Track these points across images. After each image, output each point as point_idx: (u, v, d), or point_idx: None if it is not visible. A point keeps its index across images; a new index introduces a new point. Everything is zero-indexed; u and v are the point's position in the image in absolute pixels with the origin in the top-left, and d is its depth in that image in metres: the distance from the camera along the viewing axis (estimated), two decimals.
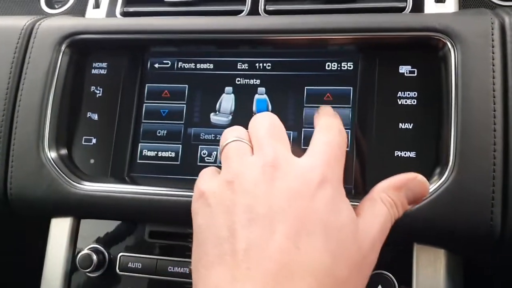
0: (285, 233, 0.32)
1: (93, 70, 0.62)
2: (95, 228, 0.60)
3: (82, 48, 0.62)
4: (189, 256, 0.53)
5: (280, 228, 0.32)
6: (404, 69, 0.54)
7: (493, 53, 0.49)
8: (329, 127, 0.41)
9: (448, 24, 0.51)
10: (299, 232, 0.32)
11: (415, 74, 0.53)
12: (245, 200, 0.34)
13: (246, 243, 0.32)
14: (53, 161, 0.58)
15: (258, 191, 0.34)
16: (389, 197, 0.39)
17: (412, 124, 0.52)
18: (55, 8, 0.73)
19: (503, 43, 0.50)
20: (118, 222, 0.59)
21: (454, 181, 0.47)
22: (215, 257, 0.33)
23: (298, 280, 0.31)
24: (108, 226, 0.60)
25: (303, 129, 0.56)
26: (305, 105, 0.57)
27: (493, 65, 0.49)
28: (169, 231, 0.57)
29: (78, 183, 0.58)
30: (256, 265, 0.31)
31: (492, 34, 0.50)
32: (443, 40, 0.51)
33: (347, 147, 0.54)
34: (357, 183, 0.53)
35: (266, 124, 0.40)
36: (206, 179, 0.39)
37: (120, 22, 0.63)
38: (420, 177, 0.40)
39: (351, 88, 0.56)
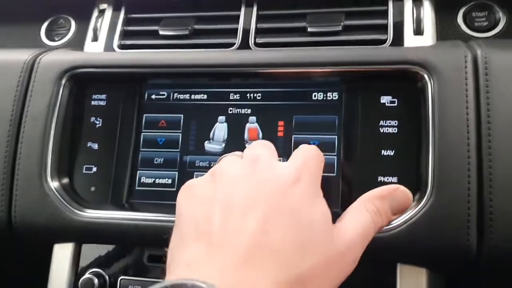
0: (257, 219, 0.34)
1: (92, 101, 0.66)
2: (96, 253, 0.62)
3: (82, 81, 0.65)
4: None
5: (253, 214, 0.35)
6: (385, 99, 0.57)
7: (466, 84, 0.53)
8: (308, 147, 0.43)
9: (426, 57, 0.55)
10: (270, 219, 0.34)
11: (396, 104, 0.57)
12: (224, 189, 0.37)
13: (221, 226, 0.35)
14: (56, 190, 0.61)
15: (237, 181, 0.38)
16: (373, 205, 0.40)
17: (393, 151, 0.56)
18: (55, 41, 0.76)
19: (475, 75, 0.54)
20: (118, 247, 0.62)
21: (432, 205, 0.51)
22: (191, 238, 0.36)
23: (264, 262, 0.33)
24: (109, 251, 0.62)
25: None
26: (293, 133, 0.60)
27: (467, 96, 0.53)
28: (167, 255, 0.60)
29: (80, 211, 0.61)
30: (228, 244, 0.33)
31: (466, 67, 0.54)
32: (421, 72, 0.55)
33: (334, 173, 0.58)
34: (344, 206, 0.57)
35: (261, 141, 0.44)
36: (194, 178, 0.43)
37: (117, 56, 0.66)
38: (403, 188, 0.42)
39: (337, 116, 0.59)
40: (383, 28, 0.63)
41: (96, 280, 0.60)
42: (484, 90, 0.53)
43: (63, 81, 0.64)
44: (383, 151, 0.56)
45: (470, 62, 0.54)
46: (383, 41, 0.62)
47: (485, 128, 0.52)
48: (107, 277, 0.61)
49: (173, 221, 0.57)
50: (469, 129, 0.52)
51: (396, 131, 0.57)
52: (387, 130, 0.57)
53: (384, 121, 0.57)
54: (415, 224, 0.51)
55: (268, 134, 0.61)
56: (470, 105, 0.52)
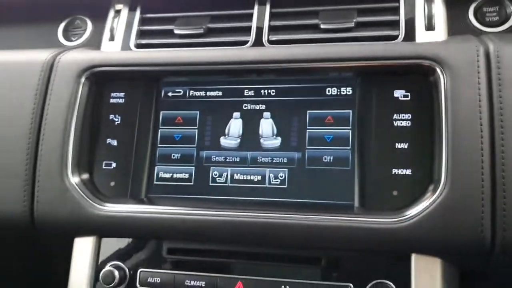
0: None
1: (111, 99, 0.67)
2: (116, 246, 0.64)
3: (100, 80, 0.67)
4: (205, 270, 0.59)
5: None
6: (398, 93, 0.59)
7: (479, 78, 0.54)
8: None
9: (438, 52, 0.56)
10: None
11: (409, 98, 0.58)
12: None
13: None
14: (76, 185, 0.63)
15: None
16: None
17: (407, 144, 0.57)
18: (72, 41, 0.78)
19: (488, 69, 0.55)
20: (138, 240, 0.64)
21: (445, 197, 0.52)
22: None
23: None
24: (128, 244, 0.64)
25: (306, 150, 0.61)
26: (308, 127, 0.61)
27: (479, 89, 0.54)
28: (185, 248, 0.62)
29: (100, 205, 0.62)
30: None
31: (478, 61, 0.55)
32: (434, 66, 0.56)
33: (349, 166, 0.59)
34: (359, 199, 0.58)
35: None
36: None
37: (135, 55, 0.68)
38: None
39: (351, 111, 0.60)
40: (395, 24, 0.64)
41: (116, 273, 0.61)
42: (496, 83, 0.54)
43: (82, 80, 0.66)
44: (397, 144, 0.57)
45: (482, 56, 0.55)
46: (395, 37, 0.63)
47: (498, 121, 0.53)
48: (127, 270, 0.62)
49: (190, 214, 0.59)
50: (482, 122, 0.53)
51: (409, 124, 0.58)
52: (401, 123, 0.58)
53: (398, 115, 0.58)
54: (429, 216, 0.52)
55: (283, 129, 0.62)
56: (483, 98, 0.53)
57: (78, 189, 0.63)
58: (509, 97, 0.53)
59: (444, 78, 0.55)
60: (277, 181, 0.61)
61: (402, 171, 0.57)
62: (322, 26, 0.66)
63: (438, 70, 0.56)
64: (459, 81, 0.54)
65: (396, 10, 0.64)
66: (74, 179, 0.63)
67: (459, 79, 0.54)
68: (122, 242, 0.64)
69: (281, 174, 0.61)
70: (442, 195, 0.52)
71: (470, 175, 0.52)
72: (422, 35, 0.62)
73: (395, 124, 0.58)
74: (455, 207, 0.52)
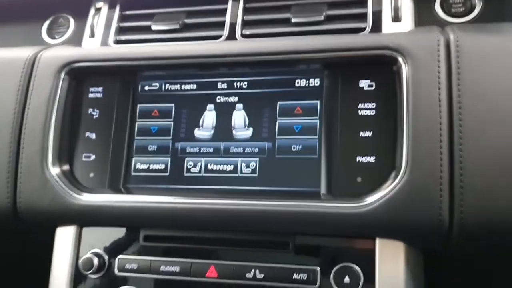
0: None
1: (90, 94, 0.70)
2: (96, 235, 0.66)
3: (79, 75, 0.69)
4: (180, 256, 0.61)
5: None
6: (363, 83, 0.60)
7: (439, 67, 0.56)
8: None
9: (400, 42, 0.58)
10: None
11: (373, 88, 0.60)
12: None
13: None
14: (57, 176, 0.66)
15: None
16: None
17: (371, 132, 0.59)
18: (55, 38, 0.81)
19: (447, 58, 0.56)
20: (116, 229, 0.66)
21: (406, 183, 0.54)
22: None
23: None
24: (107, 232, 0.66)
25: (276, 139, 0.63)
26: (278, 118, 0.63)
27: (439, 78, 0.55)
28: (161, 235, 0.64)
29: (79, 195, 0.65)
30: None
31: (438, 51, 0.57)
32: (396, 56, 0.58)
33: (316, 155, 0.61)
34: (325, 186, 0.60)
35: None
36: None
37: (112, 50, 0.70)
38: None
39: (318, 101, 0.62)
40: (363, 17, 0.65)
41: (96, 259, 0.64)
42: (455, 72, 0.55)
43: (62, 75, 0.68)
44: (361, 132, 0.59)
45: (443, 46, 0.57)
46: (363, 29, 0.65)
47: (456, 108, 0.54)
48: (106, 257, 0.65)
49: (165, 203, 0.61)
50: (441, 109, 0.54)
51: (374, 113, 0.59)
52: (365, 112, 0.60)
53: (363, 104, 0.60)
54: (391, 200, 0.54)
55: (254, 120, 0.64)
56: (442, 86, 0.55)
57: (59, 180, 0.65)
58: (467, 84, 0.55)
59: (406, 67, 0.57)
60: (249, 170, 0.63)
61: (366, 159, 0.59)
62: (293, 20, 0.68)
63: (400, 59, 0.57)
64: (420, 70, 0.56)
65: (364, 3, 0.66)
66: (55, 171, 0.66)
67: (420, 67, 0.56)
68: (101, 231, 0.66)
69: (252, 163, 0.63)
70: (403, 181, 0.54)
71: (429, 161, 0.54)
72: (388, 27, 0.64)
73: (360, 113, 0.60)
74: (415, 192, 0.54)
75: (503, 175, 0.52)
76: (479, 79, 0.55)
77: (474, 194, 0.52)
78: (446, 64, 0.56)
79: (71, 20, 0.81)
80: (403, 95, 0.56)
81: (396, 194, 0.54)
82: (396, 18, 0.64)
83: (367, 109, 0.60)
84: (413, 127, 0.55)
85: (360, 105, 0.60)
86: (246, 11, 0.71)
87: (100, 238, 0.66)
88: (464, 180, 0.53)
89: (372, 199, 0.55)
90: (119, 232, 0.66)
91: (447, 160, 0.53)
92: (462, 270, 0.69)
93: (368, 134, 0.59)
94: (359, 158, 0.59)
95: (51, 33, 0.81)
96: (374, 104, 0.60)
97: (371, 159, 0.59)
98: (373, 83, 0.60)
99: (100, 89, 0.70)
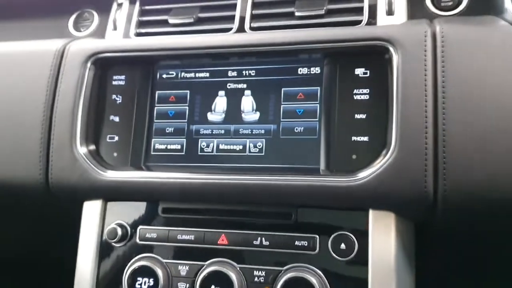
0: None
1: (113, 81, 0.77)
2: (120, 208, 0.74)
3: (104, 64, 0.77)
4: (194, 226, 0.68)
5: None
6: (359, 71, 0.67)
7: (425, 56, 0.62)
8: None
9: (392, 34, 0.65)
10: None
11: (368, 75, 0.67)
12: None
13: None
14: (84, 155, 0.73)
15: None
16: None
17: (365, 115, 0.66)
18: (81, 31, 0.88)
19: (434, 48, 0.63)
20: (138, 202, 0.73)
21: (395, 159, 0.61)
22: None
23: None
24: (129, 206, 0.74)
25: (281, 122, 0.70)
26: (282, 103, 0.70)
27: (426, 65, 0.62)
28: (178, 207, 0.71)
29: (105, 172, 0.72)
30: None
31: (425, 41, 0.63)
32: (387, 46, 0.64)
33: (316, 135, 0.68)
34: (324, 163, 0.67)
35: None
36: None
37: (133, 42, 0.78)
38: None
39: (319, 88, 0.69)
40: (360, 10, 0.72)
41: (119, 230, 0.72)
42: (440, 60, 0.62)
43: (88, 65, 0.76)
44: (356, 115, 0.66)
45: (430, 37, 0.63)
46: (359, 22, 0.71)
47: (440, 93, 0.61)
48: (128, 228, 0.72)
49: (181, 178, 0.69)
50: (427, 94, 0.61)
51: (367, 97, 0.66)
52: (360, 97, 0.66)
53: (358, 90, 0.67)
54: (381, 175, 0.61)
55: (261, 104, 0.71)
56: (428, 73, 0.62)
57: (86, 159, 0.73)
58: (450, 71, 0.61)
59: (396, 56, 0.63)
60: (256, 150, 0.70)
61: (360, 138, 0.65)
62: (297, 14, 0.74)
63: (391, 49, 0.64)
64: (409, 58, 0.63)
65: None
66: (82, 150, 0.74)
67: (409, 56, 0.63)
68: (124, 205, 0.74)
69: (259, 143, 0.70)
70: (392, 158, 0.61)
71: (416, 140, 0.60)
72: (383, 19, 0.71)
73: (355, 98, 0.67)
74: (403, 167, 0.60)
75: (481, 152, 0.58)
76: (461, 67, 0.61)
77: (455, 169, 0.59)
78: (432, 53, 0.62)
79: (95, 15, 0.89)
80: (393, 81, 0.63)
81: (386, 169, 0.61)
82: (389, 11, 0.70)
83: (362, 94, 0.66)
84: (401, 110, 0.61)
85: (355, 91, 0.67)
86: (254, 5, 0.77)
87: (123, 211, 0.74)
88: (447, 156, 0.59)
89: (365, 174, 0.62)
90: (140, 206, 0.73)
91: (431, 138, 0.60)
92: (452, 243, 0.75)
93: (363, 116, 0.66)
94: (354, 138, 0.66)
95: (77, 26, 0.89)
96: (368, 89, 0.66)
97: (365, 138, 0.65)
98: (368, 71, 0.67)
99: (123, 77, 0.77)
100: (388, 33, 0.65)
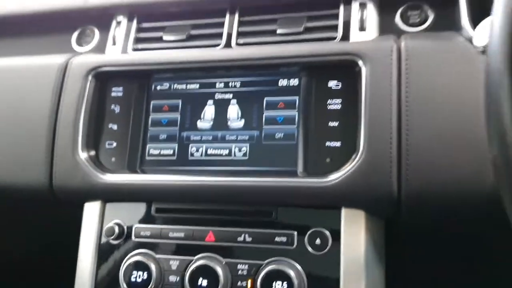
0: None
1: (112, 93, 0.85)
2: (117, 209, 0.81)
3: (103, 77, 0.84)
4: (184, 224, 0.75)
5: None
6: (332, 83, 0.74)
7: (391, 69, 0.69)
8: None
9: (361, 49, 0.72)
10: None
11: (340, 87, 0.74)
12: None
13: None
14: (85, 160, 0.81)
15: None
16: None
17: (337, 122, 0.73)
18: (82, 46, 0.96)
19: (398, 61, 0.70)
20: (134, 203, 0.80)
21: (363, 162, 0.67)
22: None
23: None
24: (126, 206, 0.81)
25: (263, 129, 0.77)
26: (264, 111, 0.77)
27: (391, 78, 0.69)
28: (170, 207, 0.78)
29: (103, 175, 0.79)
30: None
31: (391, 56, 0.70)
32: (357, 61, 0.71)
33: (294, 141, 0.75)
34: (301, 166, 0.74)
35: None
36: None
37: (131, 57, 0.85)
38: None
39: (297, 97, 0.76)
40: (335, 28, 0.79)
41: (116, 228, 0.79)
42: (404, 72, 0.69)
43: (89, 78, 0.83)
44: (330, 123, 0.73)
45: (395, 52, 0.70)
46: (334, 38, 0.78)
47: (404, 102, 0.68)
48: (125, 226, 0.79)
49: (173, 181, 0.75)
50: (392, 104, 0.68)
51: (340, 107, 0.73)
52: (333, 106, 0.73)
53: (331, 100, 0.74)
54: (352, 176, 0.68)
55: (245, 113, 0.78)
56: (393, 85, 0.68)
57: (86, 163, 0.80)
58: (413, 83, 0.68)
59: (365, 70, 0.70)
60: (241, 154, 0.77)
61: (333, 144, 0.72)
62: (278, 31, 0.82)
63: (360, 63, 0.71)
64: (376, 71, 0.70)
65: (336, 16, 0.80)
66: (83, 155, 0.81)
67: (376, 69, 0.70)
68: (122, 205, 0.81)
69: (243, 148, 0.77)
70: (360, 161, 0.68)
71: (382, 144, 0.67)
72: (355, 36, 0.77)
73: (329, 107, 0.73)
74: (370, 169, 0.67)
75: (440, 156, 0.65)
76: (422, 78, 0.68)
77: (417, 170, 0.66)
78: (397, 66, 0.69)
79: (96, 31, 0.96)
80: (362, 92, 0.70)
81: (355, 171, 0.68)
82: (361, 28, 0.77)
83: (335, 104, 0.73)
84: (369, 118, 0.68)
85: (329, 101, 0.74)
86: (240, 24, 0.85)
87: (120, 211, 0.81)
88: (409, 158, 0.66)
89: (337, 175, 0.69)
90: (136, 206, 0.80)
91: (396, 143, 0.67)
92: (420, 240, 0.82)
93: (335, 124, 0.73)
94: (328, 143, 0.72)
95: (79, 42, 0.96)
96: (340, 99, 0.73)
97: (338, 143, 0.72)
98: (340, 83, 0.74)
99: (121, 88, 0.85)
100: (358, 49, 0.72)
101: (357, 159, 0.68)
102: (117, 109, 0.84)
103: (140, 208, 0.80)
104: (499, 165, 0.36)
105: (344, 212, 0.71)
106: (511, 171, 0.35)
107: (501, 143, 0.35)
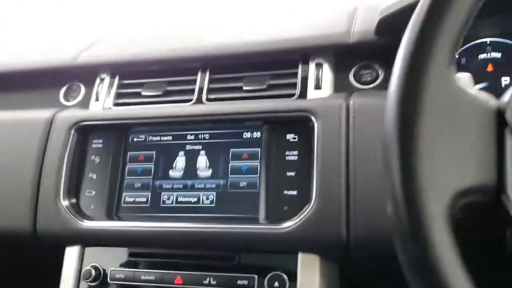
0: None
1: (93, 145, 0.92)
2: (95, 253, 0.87)
3: (85, 131, 0.92)
4: (155, 268, 0.81)
5: None
6: (289, 136, 0.81)
7: (340, 124, 0.76)
8: None
9: (314, 106, 0.79)
10: None
11: (296, 140, 0.81)
12: None
13: None
14: (66, 207, 0.87)
15: None
16: None
17: (294, 172, 0.79)
18: (70, 101, 1.04)
19: (347, 118, 0.77)
20: (110, 248, 0.86)
21: (315, 210, 0.74)
22: None
23: None
24: (103, 250, 0.87)
25: (229, 178, 0.83)
26: (230, 161, 0.84)
27: (340, 132, 0.76)
28: (142, 252, 0.84)
29: (83, 222, 0.86)
30: None
31: (340, 112, 0.77)
32: (310, 117, 0.79)
33: (257, 189, 0.81)
34: (263, 213, 0.80)
35: None
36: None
37: (111, 112, 0.93)
38: None
39: (259, 149, 0.83)
40: (294, 86, 0.87)
41: (93, 271, 0.84)
42: (352, 127, 0.76)
43: (72, 131, 0.91)
44: (287, 172, 0.80)
45: (344, 108, 0.78)
46: (293, 95, 0.86)
47: (351, 154, 0.74)
48: (101, 269, 0.85)
49: (146, 227, 0.82)
50: (341, 156, 0.75)
51: (296, 158, 0.80)
52: (291, 157, 0.80)
53: (289, 151, 0.81)
54: (305, 223, 0.74)
55: (213, 163, 0.85)
56: (342, 139, 0.76)
57: (67, 211, 0.87)
58: (359, 137, 0.75)
59: (317, 125, 0.78)
60: (208, 201, 0.83)
61: (290, 192, 0.79)
62: (244, 88, 0.90)
63: (313, 119, 0.78)
64: (326, 127, 0.77)
65: (296, 75, 0.88)
66: (65, 203, 0.88)
67: (327, 125, 0.77)
68: (99, 250, 0.87)
69: (211, 196, 0.84)
70: (313, 209, 0.74)
71: (332, 192, 0.73)
72: (311, 93, 0.85)
73: (287, 158, 0.80)
74: (321, 217, 0.73)
75: (378, 205, 0.71)
76: (368, 132, 0.75)
77: (363, 217, 0.72)
78: (346, 122, 0.77)
79: (82, 87, 1.05)
80: (314, 145, 0.77)
81: (308, 219, 0.74)
82: (317, 86, 0.85)
83: (292, 155, 0.80)
84: (320, 169, 0.75)
85: (287, 152, 0.81)
86: (211, 81, 0.93)
87: (98, 255, 0.87)
88: (356, 207, 0.72)
89: (292, 222, 0.75)
90: (112, 250, 0.86)
91: (344, 191, 0.73)
92: (375, 285, 0.87)
93: (292, 173, 0.79)
94: (286, 192, 0.79)
95: (67, 97, 1.05)
96: (297, 151, 0.80)
97: (294, 192, 0.78)
98: (296, 136, 0.81)
99: (101, 140, 0.92)
100: (311, 106, 0.79)
101: (310, 207, 0.74)
102: (97, 159, 0.91)
103: (116, 253, 0.86)
104: (390, 217, 0.42)
105: (300, 256, 0.76)
106: (398, 228, 0.41)
107: (392, 201, 0.41)
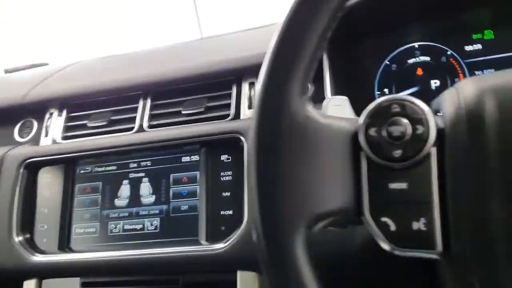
0: None
1: (42, 179, 0.95)
2: (51, 285, 0.90)
3: (34, 167, 0.95)
4: None
5: None
6: (223, 157, 0.83)
7: None
8: None
9: (243, 127, 0.81)
10: None
11: (230, 160, 0.83)
12: None
13: None
14: (20, 243, 0.90)
15: None
16: None
17: (229, 193, 0.81)
18: (23, 137, 1.07)
19: None
20: (64, 279, 0.89)
21: (247, 228, 0.75)
22: None
23: None
24: (58, 282, 0.89)
25: (170, 202, 0.86)
26: (171, 186, 0.86)
27: None
28: (93, 281, 0.87)
29: (37, 256, 0.89)
30: None
31: None
32: (239, 137, 0.81)
33: (197, 212, 0.83)
34: (204, 234, 0.82)
35: None
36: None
37: (57, 147, 0.96)
38: None
39: (198, 172, 0.85)
40: (229, 106, 0.89)
41: None
42: None
43: (21, 169, 0.94)
44: (223, 193, 0.82)
45: None
46: (227, 116, 0.88)
47: None
48: None
49: (95, 257, 0.84)
50: None
51: (231, 178, 0.82)
52: (225, 178, 0.82)
53: (223, 172, 0.83)
54: (239, 242, 0.76)
55: (156, 189, 0.87)
56: None
57: (21, 246, 0.90)
58: None
59: (246, 145, 0.80)
60: (152, 227, 0.86)
61: (227, 212, 0.81)
62: (183, 112, 0.92)
63: (242, 139, 0.80)
64: None
65: (230, 96, 0.90)
66: (18, 238, 0.90)
67: None
68: (54, 281, 0.90)
69: (154, 222, 0.86)
70: (246, 228, 0.76)
71: None
72: (245, 113, 0.87)
73: (222, 179, 0.82)
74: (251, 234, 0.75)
75: None
76: None
77: None
78: None
79: (35, 123, 1.08)
80: (245, 165, 0.79)
81: (242, 237, 0.76)
82: (250, 106, 0.87)
83: (226, 176, 0.82)
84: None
85: (222, 173, 0.83)
86: (152, 107, 0.95)
87: (54, 286, 0.90)
88: None
89: (228, 242, 0.77)
90: (66, 281, 0.89)
91: None
92: None
93: (228, 194, 0.81)
94: (222, 212, 0.81)
95: (21, 133, 1.08)
96: (231, 171, 0.82)
97: (230, 212, 0.81)
98: (230, 157, 0.83)
99: (50, 175, 0.95)
100: (241, 126, 0.81)
101: (242, 226, 0.76)
102: (47, 194, 0.94)
103: (70, 283, 0.89)
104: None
105: (239, 274, 0.78)
106: (259, 250, 0.43)
107: (253, 226, 0.44)
